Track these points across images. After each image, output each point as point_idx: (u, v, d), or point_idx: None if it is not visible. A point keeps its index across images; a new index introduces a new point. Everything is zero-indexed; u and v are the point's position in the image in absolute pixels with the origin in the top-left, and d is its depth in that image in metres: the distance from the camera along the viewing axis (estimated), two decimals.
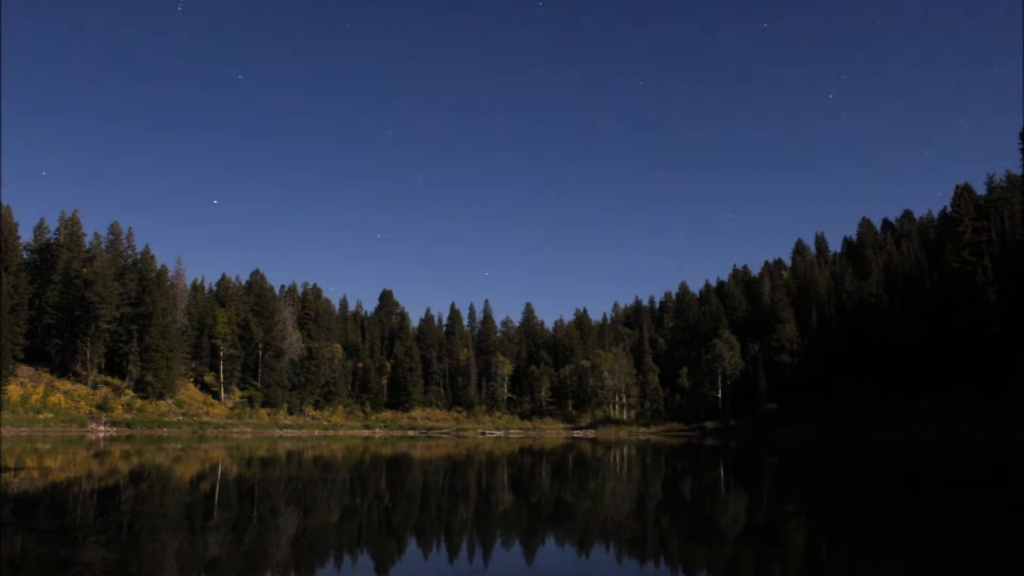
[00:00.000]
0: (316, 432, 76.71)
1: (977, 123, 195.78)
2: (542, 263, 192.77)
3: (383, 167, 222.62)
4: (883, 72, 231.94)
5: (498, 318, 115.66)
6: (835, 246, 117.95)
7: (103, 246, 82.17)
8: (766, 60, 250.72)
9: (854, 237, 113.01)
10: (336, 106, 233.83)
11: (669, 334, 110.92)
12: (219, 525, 12.06)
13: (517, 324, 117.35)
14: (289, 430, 76.65)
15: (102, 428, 65.17)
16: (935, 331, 64.66)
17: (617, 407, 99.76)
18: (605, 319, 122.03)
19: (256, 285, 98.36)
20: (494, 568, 9.06)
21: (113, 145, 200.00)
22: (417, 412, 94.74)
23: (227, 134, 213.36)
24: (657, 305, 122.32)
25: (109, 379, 74.45)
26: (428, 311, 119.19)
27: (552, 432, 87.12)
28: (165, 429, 67.42)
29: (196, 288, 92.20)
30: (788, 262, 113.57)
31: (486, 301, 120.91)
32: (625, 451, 44.43)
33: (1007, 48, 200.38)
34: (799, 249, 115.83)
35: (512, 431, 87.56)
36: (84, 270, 74.60)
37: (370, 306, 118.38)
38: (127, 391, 73.12)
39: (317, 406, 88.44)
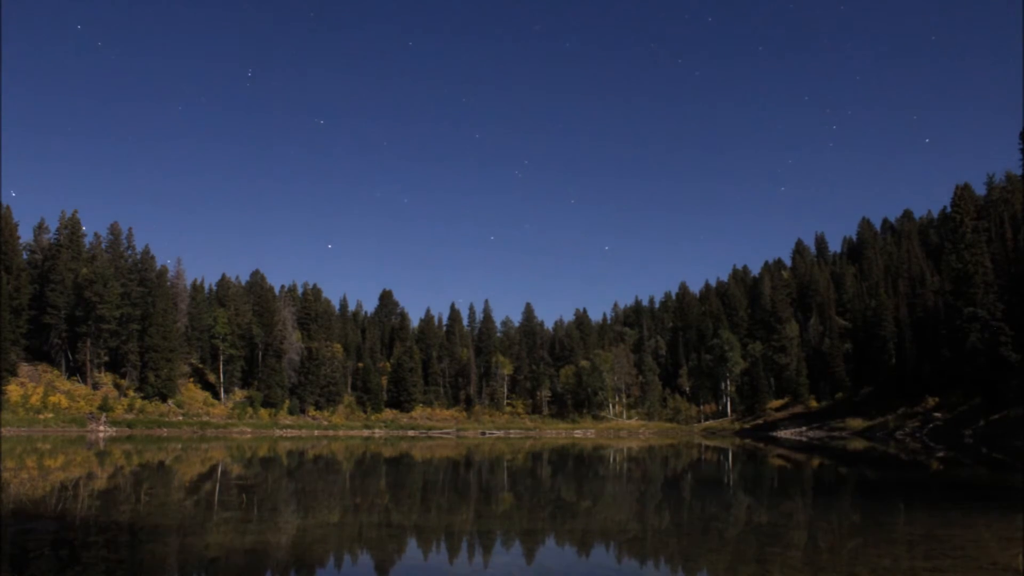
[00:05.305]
0: (316, 432, 76.73)
1: (978, 122, 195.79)
2: (542, 263, 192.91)
3: (384, 167, 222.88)
4: (884, 71, 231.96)
5: (498, 318, 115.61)
6: (835, 246, 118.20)
7: (103, 246, 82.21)
8: (764, 59, 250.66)
9: (854, 237, 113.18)
10: (336, 107, 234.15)
11: (669, 334, 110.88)
12: (219, 525, 12.07)
13: (517, 324, 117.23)
14: (289, 430, 76.68)
15: (102, 428, 65.21)
16: (935, 331, 64.71)
17: (617, 407, 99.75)
18: (605, 319, 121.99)
19: (256, 285, 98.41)
20: (494, 568, 9.07)
21: (113, 145, 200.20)
22: (417, 412, 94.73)
23: (228, 134, 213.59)
24: (657, 305, 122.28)
25: (112, 379, 74.49)
26: (428, 311, 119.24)
27: (552, 432, 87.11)
28: (165, 429, 67.44)
29: (196, 288, 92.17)
30: (788, 262, 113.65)
31: (486, 301, 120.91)
32: (625, 451, 44.45)
33: (1009, 46, 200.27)
34: (799, 249, 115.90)
35: (512, 431, 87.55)
36: (84, 270, 74.62)
37: (370, 306, 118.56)
38: (128, 391, 73.14)
39: (317, 406, 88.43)
